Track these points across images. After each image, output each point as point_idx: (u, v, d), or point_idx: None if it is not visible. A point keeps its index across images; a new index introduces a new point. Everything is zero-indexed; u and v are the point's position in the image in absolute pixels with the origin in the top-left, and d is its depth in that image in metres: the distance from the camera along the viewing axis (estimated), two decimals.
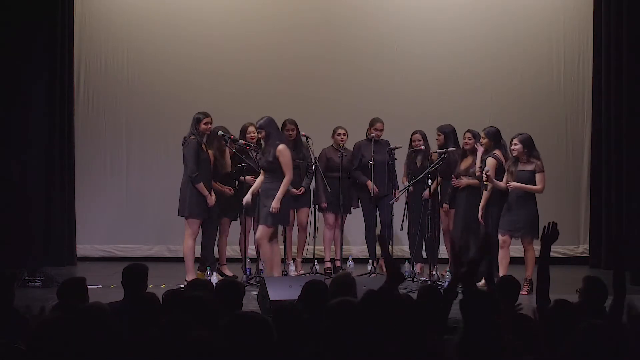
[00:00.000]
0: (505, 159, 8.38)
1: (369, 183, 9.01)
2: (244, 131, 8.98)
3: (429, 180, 8.56)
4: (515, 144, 8.20)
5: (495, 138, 8.46)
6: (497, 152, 8.41)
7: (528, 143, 8.20)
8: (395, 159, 9.13)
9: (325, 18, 10.74)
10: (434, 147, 9.05)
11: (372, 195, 9.04)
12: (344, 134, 9.21)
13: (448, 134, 8.89)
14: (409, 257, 9.03)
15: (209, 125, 8.57)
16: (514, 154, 8.22)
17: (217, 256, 9.08)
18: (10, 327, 4.22)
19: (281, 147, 8.09)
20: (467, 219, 8.55)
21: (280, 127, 8.65)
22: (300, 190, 9.07)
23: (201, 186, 8.42)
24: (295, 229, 9.31)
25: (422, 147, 9.04)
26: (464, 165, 8.73)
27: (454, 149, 8.77)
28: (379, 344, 3.63)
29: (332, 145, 9.30)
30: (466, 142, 8.73)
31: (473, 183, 8.53)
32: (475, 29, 10.65)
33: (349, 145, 9.27)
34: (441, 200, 8.97)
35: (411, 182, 8.95)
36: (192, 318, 3.77)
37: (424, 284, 8.19)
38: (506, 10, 10.67)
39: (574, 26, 10.63)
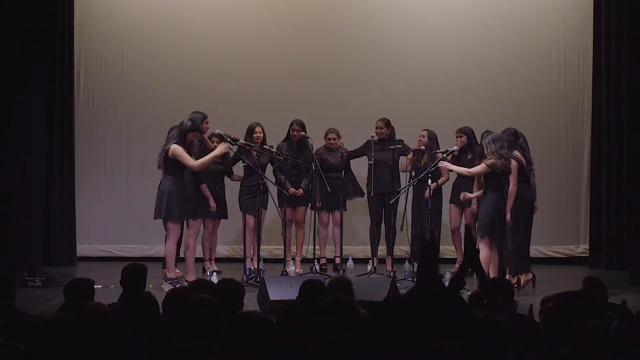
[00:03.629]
0: (525, 160, 8.37)
1: None
2: (251, 131, 8.98)
3: (429, 180, 8.57)
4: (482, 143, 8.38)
5: (511, 139, 8.43)
6: (516, 153, 8.36)
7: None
8: (396, 158, 9.16)
9: (325, 18, 10.73)
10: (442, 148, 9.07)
11: (372, 194, 9.09)
12: (334, 139, 9.23)
13: (470, 135, 9.00)
14: (409, 257, 9.05)
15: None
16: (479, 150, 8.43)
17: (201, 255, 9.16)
18: (10, 327, 4.22)
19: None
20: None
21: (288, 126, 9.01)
22: (299, 192, 9.12)
23: (204, 187, 8.54)
24: (292, 229, 9.34)
25: (422, 148, 9.05)
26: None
27: (455, 149, 8.82)
28: (378, 343, 3.63)
29: (324, 146, 9.32)
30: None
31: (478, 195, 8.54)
32: (475, 29, 10.64)
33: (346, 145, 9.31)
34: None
35: (411, 182, 8.96)
36: (194, 318, 3.78)
37: None
38: (506, 10, 10.66)
39: (574, 26, 10.62)
